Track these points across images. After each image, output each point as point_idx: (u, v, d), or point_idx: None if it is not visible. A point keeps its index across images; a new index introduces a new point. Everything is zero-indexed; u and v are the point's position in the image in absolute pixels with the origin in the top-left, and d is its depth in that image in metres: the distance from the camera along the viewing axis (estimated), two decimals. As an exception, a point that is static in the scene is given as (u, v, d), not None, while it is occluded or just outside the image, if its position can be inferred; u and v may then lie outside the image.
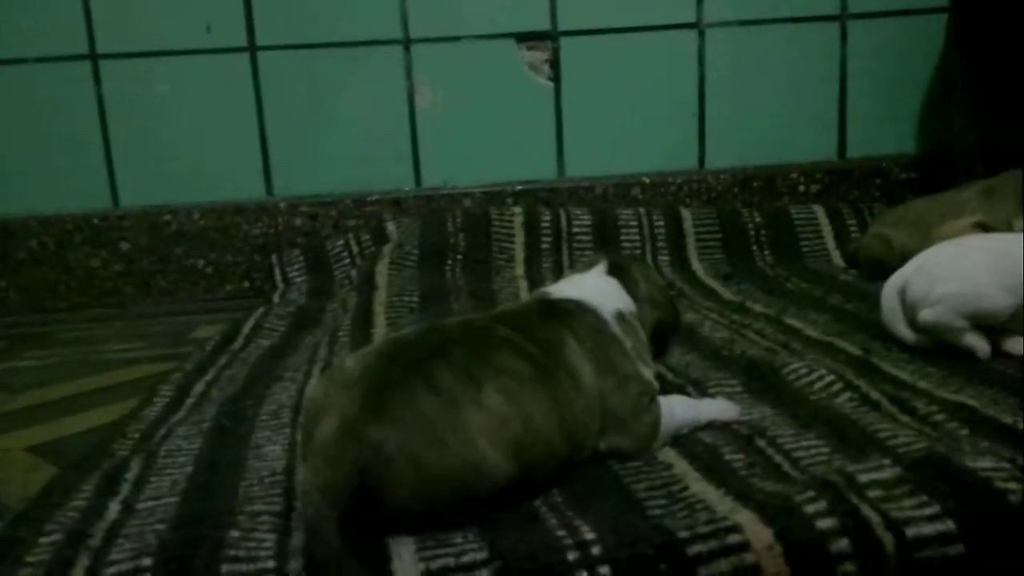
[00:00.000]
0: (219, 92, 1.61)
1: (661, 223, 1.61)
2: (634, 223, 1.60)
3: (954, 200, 1.33)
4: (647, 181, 1.70)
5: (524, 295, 1.39)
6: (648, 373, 0.80)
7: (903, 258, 1.10)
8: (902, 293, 0.99)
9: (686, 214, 1.62)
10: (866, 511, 0.61)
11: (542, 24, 1.64)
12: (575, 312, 0.79)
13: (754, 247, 1.58)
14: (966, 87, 1.54)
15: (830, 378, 0.88)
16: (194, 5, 1.58)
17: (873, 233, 1.41)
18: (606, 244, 1.57)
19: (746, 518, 0.61)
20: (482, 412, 0.64)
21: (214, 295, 1.64)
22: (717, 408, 0.85)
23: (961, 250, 0.99)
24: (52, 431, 1.01)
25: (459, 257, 1.52)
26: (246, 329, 1.29)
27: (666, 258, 1.56)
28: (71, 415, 1.06)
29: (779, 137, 1.72)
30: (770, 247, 1.58)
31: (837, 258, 1.53)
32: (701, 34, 1.67)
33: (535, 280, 1.47)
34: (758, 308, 1.25)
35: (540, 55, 1.67)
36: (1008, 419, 0.76)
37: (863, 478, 0.64)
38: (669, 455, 0.76)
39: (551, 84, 1.67)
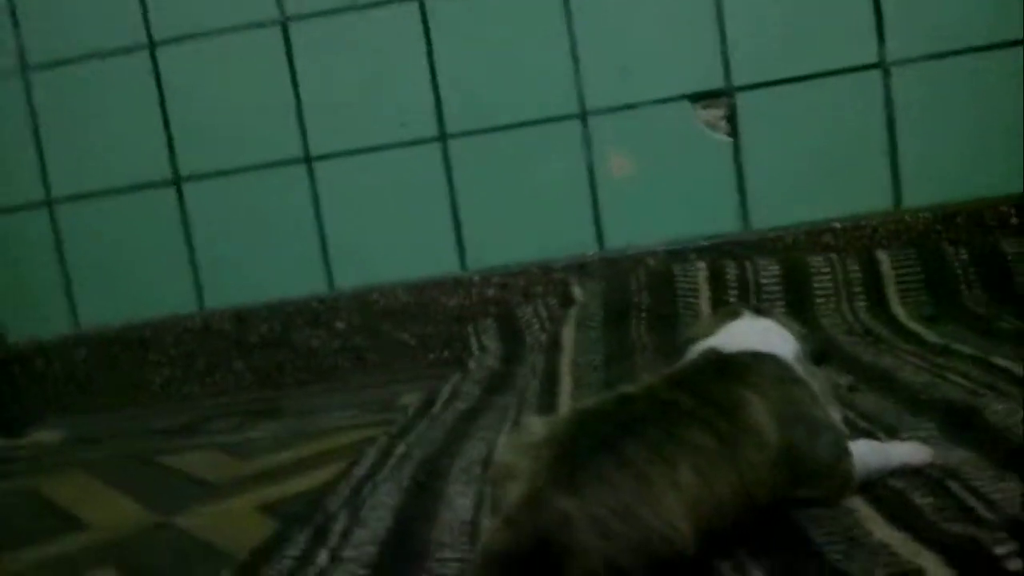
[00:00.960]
0: (414, 179, 1.75)
1: (856, 268, 1.55)
2: (826, 270, 1.56)
3: None
4: (839, 227, 1.65)
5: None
6: (837, 417, 0.78)
7: None
8: None
9: (883, 256, 1.55)
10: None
11: (716, 82, 1.66)
12: (753, 365, 0.78)
13: (962, 286, 1.48)
14: None
15: (1035, 418, 0.82)
16: (389, 104, 1.75)
17: None
18: (797, 293, 1.54)
19: (929, 561, 0.59)
20: (674, 489, 0.65)
21: (418, 365, 1.75)
22: (908, 451, 0.81)
23: None
24: (278, 492, 1.12)
25: (643, 315, 1.54)
26: (444, 394, 1.37)
27: (864, 303, 1.50)
28: (294, 477, 1.17)
29: (981, 169, 1.61)
30: (980, 285, 1.47)
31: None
32: (886, 72, 1.62)
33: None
34: (964, 349, 1.17)
35: (716, 112, 1.68)
36: None
37: (1063, 519, 0.60)
38: (853, 501, 0.74)
39: (729, 139, 1.68)
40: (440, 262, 1.77)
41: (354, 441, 1.29)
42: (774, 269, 1.58)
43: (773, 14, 1.64)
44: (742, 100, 1.66)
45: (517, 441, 0.72)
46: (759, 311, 0.87)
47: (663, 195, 1.70)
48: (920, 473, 0.77)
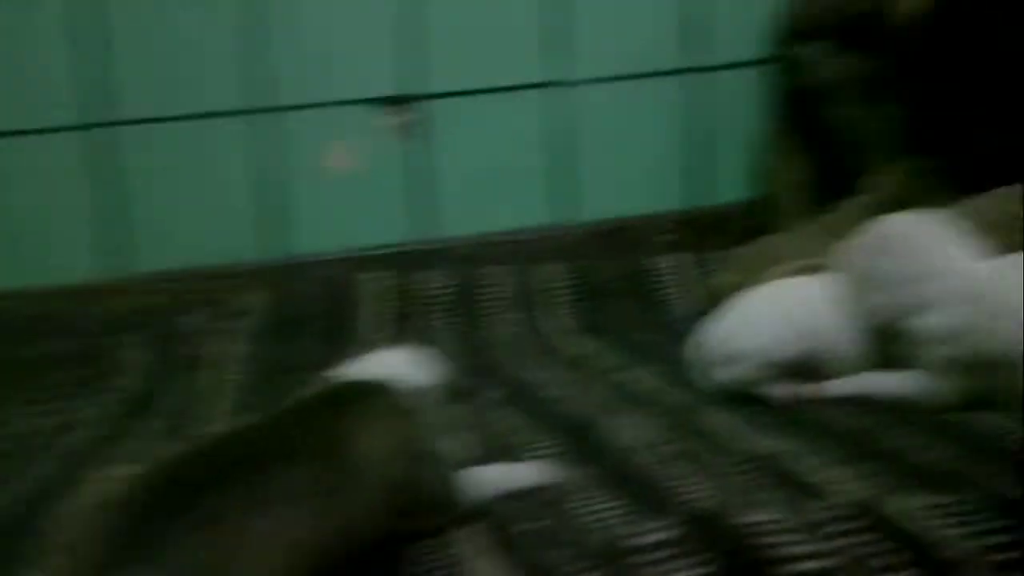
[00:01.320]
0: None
1: (523, 279, 1.61)
2: (498, 281, 1.60)
3: (790, 240, 1.36)
4: (512, 239, 1.70)
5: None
6: (449, 444, 0.78)
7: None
8: (716, 345, 1.01)
9: (543, 270, 1.63)
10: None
11: (405, 88, 1.65)
12: (366, 393, 0.77)
13: (610, 301, 1.58)
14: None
15: (644, 435, 0.88)
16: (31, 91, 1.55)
17: (708, 282, 1.43)
18: (469, 304, 1.57)
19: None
20: (267, 539, 0.61)
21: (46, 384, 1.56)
22: (529, 474, 0.83)
23: (753, 303, 1.02)
24: None
25: (316, 327, 1.49)
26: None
27: (525, 314, 1.56)
28: None
29: (644, 187, 1.75)
30: (628, 300, 1.58)
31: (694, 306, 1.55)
32: (566, 89, 1.70)
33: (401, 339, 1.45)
34: (602, 364, 1.25)
35: (403, 118, 1.67)
36: (803, 470, 0.76)
37: (638, 542, 0.63)
38: (457, 533, 0.74)
39: (415, 146, 1.67)
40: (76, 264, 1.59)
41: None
42: (450, 279, 1.60)
43: (466, 25, 1.66)
44: (430, 108, 1.67)
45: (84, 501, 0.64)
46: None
47: (343, 200, 1.66)
48: (538, 495, 0.79)
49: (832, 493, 0.69)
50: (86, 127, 1.57)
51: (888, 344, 0.94)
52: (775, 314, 0.99)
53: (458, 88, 1.67)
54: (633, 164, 1.74)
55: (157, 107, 1.58)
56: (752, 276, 1.29)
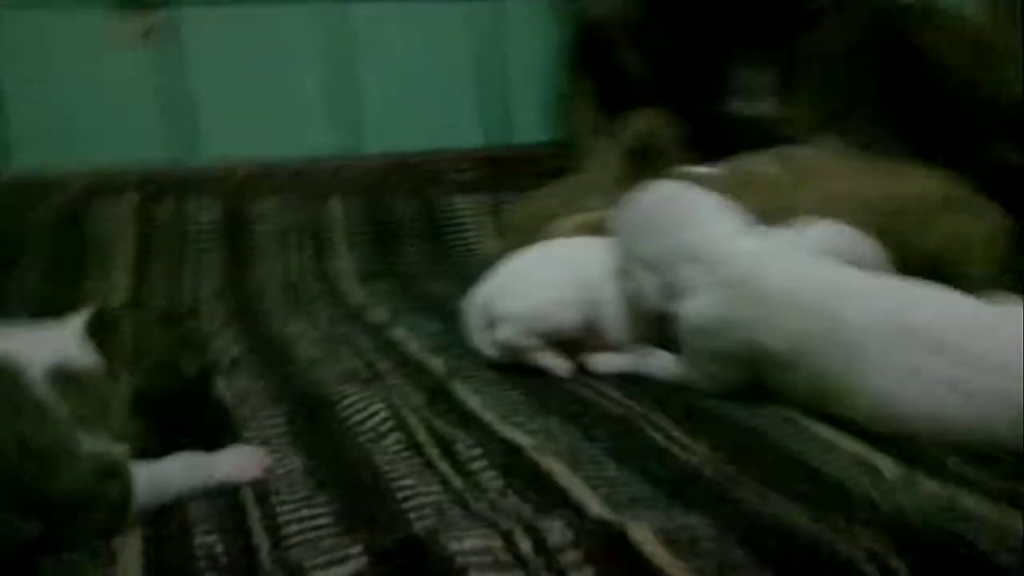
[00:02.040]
0: None
1: (304, 217, 1.42)
2: (271, 216, 1.41)
3: (576, 190, 1.23)
4: (293, 168, 1.50)
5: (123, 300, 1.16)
6: (102, 443, 0.60)
7: None
8: (482, 309, 0.87)
9: (334, 205, 1.45)
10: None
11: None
12: None
13: (406, 243, 1.43)
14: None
15: (383, 415, 0.74)
16: None
17: (492, 238, 1.31)
18: (237, 240, 1.37)
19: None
20: None
21: None
22: (235, 463, 0.67)
23: (532, 261, 0.89)
24: None
25: (40, 261, 1.25)
26: None
27: (309, 253, 1.38)
28: None
29: (438, 121, 1.58)
30: (423, 241, 1.43)
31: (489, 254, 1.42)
32: (345, 7, 1.49)
33: (141, 292, 1.23)
34: (375, 317, 1.09)
35: (145, 23, 1.42)
36: (553, 464, 0.64)
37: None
38: (123, 542, 0.57)
39: (171, 55, 1.43)
40: None
41: None
42: (215, 211, 1.39)
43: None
44: (176, 14, 1.42)
45: None
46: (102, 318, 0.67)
47: (79, 115, 1.40)
48: (240, 491, 0.63)
49: (579, 505, 0.57)
50: None
51: (655, 323, 0.83)
52: (548, 277, 0.86)
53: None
54: (424, 94, 1.56)
55: None
56: (525, 236, 1.17)
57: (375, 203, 1.47)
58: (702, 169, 1.03)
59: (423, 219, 1.46)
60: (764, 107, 1.10)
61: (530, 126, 1.60)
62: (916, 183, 1.00)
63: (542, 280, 0.85)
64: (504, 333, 0.83)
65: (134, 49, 1.40)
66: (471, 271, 1.26)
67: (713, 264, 0.77)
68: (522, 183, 1.57)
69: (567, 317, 0.83)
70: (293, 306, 1.16)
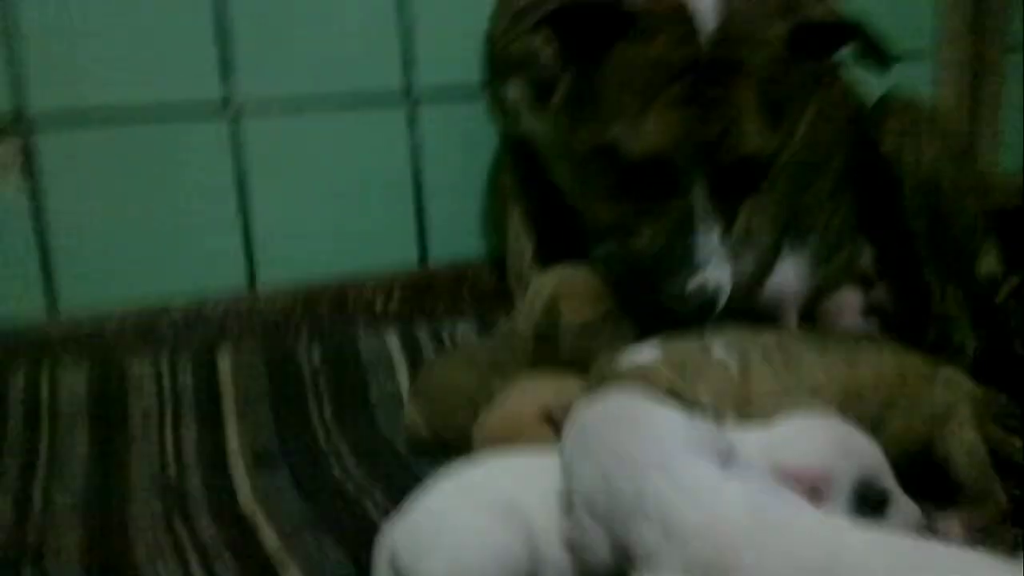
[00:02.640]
0: None
1: (188, 374, 1.22)
2: (151, 380, 1.20)
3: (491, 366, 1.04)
4: (179, 311, 1.29)
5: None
6: None
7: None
8: (393, 561, 0.69)
9: (224, 359, 1.24)
10: None
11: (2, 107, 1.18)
12: None
13: (311, 401, 1.22)
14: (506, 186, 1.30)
15: None
16: None
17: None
18: (107, 416, 1.15)
19: None
20: None
21: None
22: None
23: (455, 496, 0.71)
24: None
25: None
26: None
27: (194, 429, 1.16)
28: None
29: (348, 245, 1.38)
30: (331, 397, 1.23)
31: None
32: (235, 119, 1.29)
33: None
34: (266, 542, 0.89)
35: (8, 150, 1.20)
36: None
37: None
38: None
39: (24, 185, 1.21)
40: None
41: None
42: (79, 379, 1.17)
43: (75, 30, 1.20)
44: (42, 139, 1.20)
45: None
46: None
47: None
48: None
49: None
50: None
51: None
52: (477, 523, 0.68)
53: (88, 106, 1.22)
54: (319, 211, 1.36)
55: None
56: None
57: (274, 351, 1.27)
58: (642, 356, 0.87)
59: (330, 369, 1.26)
60: (717, 274, 0.94)
61: (453, 242, 1.43)
62: (871, 363, 0.88)
63: (469, 527, 0.66)
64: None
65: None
66: (389, 451, 1.09)
67: (679, 531, 0.60)
68: (453, 308, 1.41)
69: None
70: (168, 525, 0.94)
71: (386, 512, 0.88)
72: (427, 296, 1.41)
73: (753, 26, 0.94)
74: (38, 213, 1.22)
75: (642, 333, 0.94)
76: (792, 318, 1.21)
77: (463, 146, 1.41)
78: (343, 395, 1.23)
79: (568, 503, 0.66)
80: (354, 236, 1.38)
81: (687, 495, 0.60)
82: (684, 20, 0.92)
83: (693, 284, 0.93)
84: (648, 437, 0.64)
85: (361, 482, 1.01)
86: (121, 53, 1.22)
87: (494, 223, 1.42)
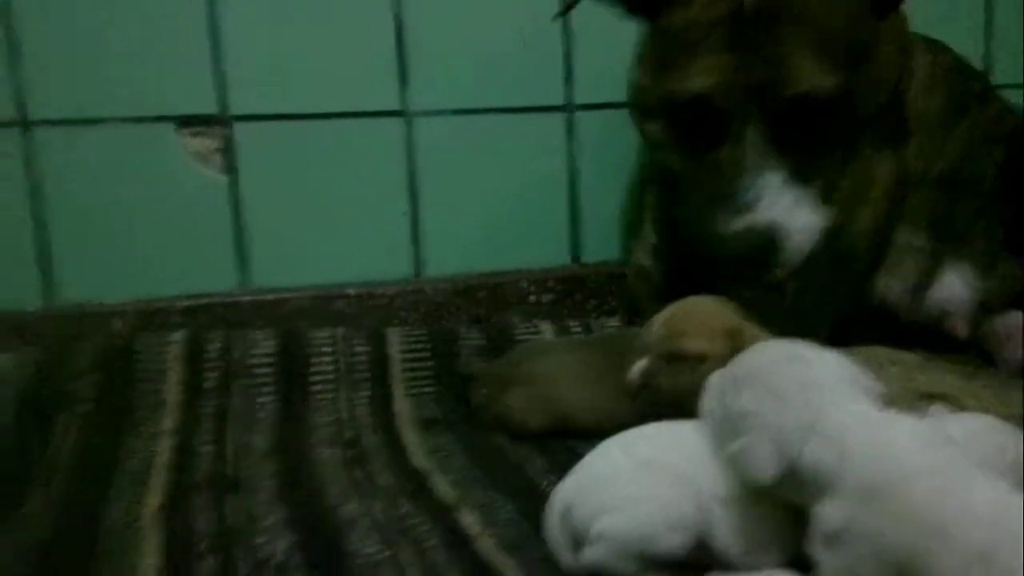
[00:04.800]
0: None
1: (364, 348, 1.33)
2: (328, 348, 1.31)
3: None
4: (352, 293, 1.41)
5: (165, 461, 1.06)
6: None
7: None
8: (566, 516, 0.75)
9: (393, 336, 1.35)
10: None
11: (209, 107, 1.33)
12: None
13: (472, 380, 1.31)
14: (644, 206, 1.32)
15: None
16: None
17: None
18: (292, 377, 1.27)
19: None
20: None
21: None
22: None
23: (630, 466, 0.75)
24: None
25: (82, 408, 1.16)
26: None
27: (367, 394, 1.27)
28: None
29: (507, 240, 1.48)
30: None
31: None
32: (408, 123, 1.41)
33: (189, 435, 1.14)
34: (440, 491, 0.97)
35: (209, 142, 1.35)
36: None
37: None
38: None
39: (224, 177, 1.36)
40: None
41: None
42: (269, 345, 1.30)
43: (279, 40, 1.35)
44: (242, 131, 1.35)
45: None
46: None
47: (138, 240, 1.33)
48: None
49: None
50: None
51: (784, 526, 0.71)
52: (650, 484, 0.73)
53: (277, 111, 1.36)
54: (481, 209, 1.46)
55: None
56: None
57: (439, 332, 1.37)
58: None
59: (488, 350, 1.35)
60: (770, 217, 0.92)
61: (606, 243, 1.50)
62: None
63: (643, 489, 0.72)
64: (595, 555, 0.71)
65: (194, 170, 1.34)
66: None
67: (854, 453, 0.64)
68: (602, 304, 1.48)
69: (678, 538, 0.70)
70: (349, 472, 1.04)
71: (548, 478, 0.96)
72: (579, 293, 1.49)
73: None
74: (235, 199, 1.37)
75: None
76: (962, 329, 1.18)
77: (619, 151, 1.48)
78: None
79: (733, 429, 0.70)
80: (512, 233, 1.48)
81: (865, 421, 0.64)
82: None
83: (740, 224, 0.91)
84: (824, 369, 0.68)
85: (522, 451, 1.09)
86: (314, 63, 1.36)
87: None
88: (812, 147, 0.96)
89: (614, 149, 1.47)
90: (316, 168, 1.39)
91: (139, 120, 1.30)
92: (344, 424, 1.19)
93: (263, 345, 1.29)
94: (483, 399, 1.16)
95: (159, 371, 1.23)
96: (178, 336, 1.28)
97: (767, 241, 0.91)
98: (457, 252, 1.46)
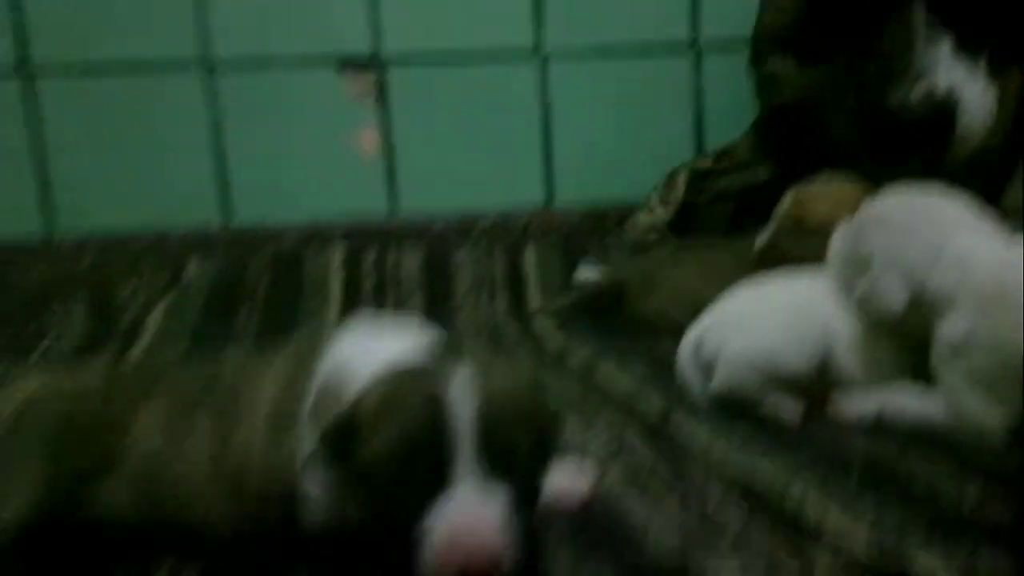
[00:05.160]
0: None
1: (500, 262, 1.45)
2: (469, 265, 1.44)
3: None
4: (489, 220, 1.54)
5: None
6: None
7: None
8: (698, 350, 0.83)
9: (528, 251, 1.46)
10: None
11: (363, 48, 1.48)
12: None
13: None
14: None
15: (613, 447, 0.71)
16: None
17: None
18: (437, 287, 1.40)
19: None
20: None
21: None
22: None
23: (757, 300, 0.83)
24: None
25: (258, 301, 1.32)
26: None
27: (504, 302, 1.39)
28: None
29: (633, 170, 1.57)
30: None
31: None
32: (544, 60, 1.53)
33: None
34: (577, 360, 1.08)
35: (364, 83, 1.50)
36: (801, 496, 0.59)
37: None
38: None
39: (376, 115, 1.51)
40: (17, 223, 1.43)
41: None
42: (416, 258, 1.44)
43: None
44: (393, 72, 1.50)
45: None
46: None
47: (298, 171, 1.50)
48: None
49: (838, 537, 0.52)
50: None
51: (902, 353, 0.77)
52: (774, 311, 0.81)
53: (430, 48, 1.50)
54: (615, 148, 1.56)
55: None
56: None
57: (569, 252, 1.47)
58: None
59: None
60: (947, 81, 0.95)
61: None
62: None
63: (768, 315, 0.80)
64: (723, 377, 0.79)
65: (355, 109, 1.49)
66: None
67: (974, 271, 0.70)
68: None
69: (802, 358, 0.77)
70: (494, 349, 1.16)
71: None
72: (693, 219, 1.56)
73: None
74: (388, 134, 1.51)
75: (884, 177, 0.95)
76: None
77: (741, 92, 1.55)
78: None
79: (861, 268, 0.77)
80: (637, 163, 1.57)
81: (983, 244, 0.71)
82: None
83: (918, 91, 0.94)
84: (948, 207, 0.75)
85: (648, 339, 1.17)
86: (457, 5, 1.49)
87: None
88: (975, 20, 0.97)
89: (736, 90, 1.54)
90: (462, 106, 1.52)
91: (304, 63, 1.47)
92: (483, 320, 1.31)
93: (411, 259, 1.43)
94: (626, 303, 1.25)
95: (323, 277, 1.38)
96: (338, 249, 1.43)
97: (948, 104, 0.94)
98: (586, 182, 1.56)
